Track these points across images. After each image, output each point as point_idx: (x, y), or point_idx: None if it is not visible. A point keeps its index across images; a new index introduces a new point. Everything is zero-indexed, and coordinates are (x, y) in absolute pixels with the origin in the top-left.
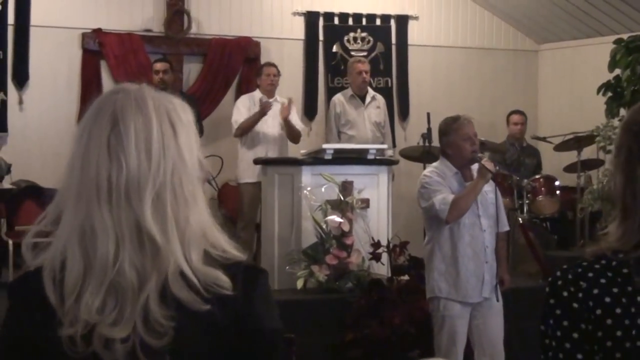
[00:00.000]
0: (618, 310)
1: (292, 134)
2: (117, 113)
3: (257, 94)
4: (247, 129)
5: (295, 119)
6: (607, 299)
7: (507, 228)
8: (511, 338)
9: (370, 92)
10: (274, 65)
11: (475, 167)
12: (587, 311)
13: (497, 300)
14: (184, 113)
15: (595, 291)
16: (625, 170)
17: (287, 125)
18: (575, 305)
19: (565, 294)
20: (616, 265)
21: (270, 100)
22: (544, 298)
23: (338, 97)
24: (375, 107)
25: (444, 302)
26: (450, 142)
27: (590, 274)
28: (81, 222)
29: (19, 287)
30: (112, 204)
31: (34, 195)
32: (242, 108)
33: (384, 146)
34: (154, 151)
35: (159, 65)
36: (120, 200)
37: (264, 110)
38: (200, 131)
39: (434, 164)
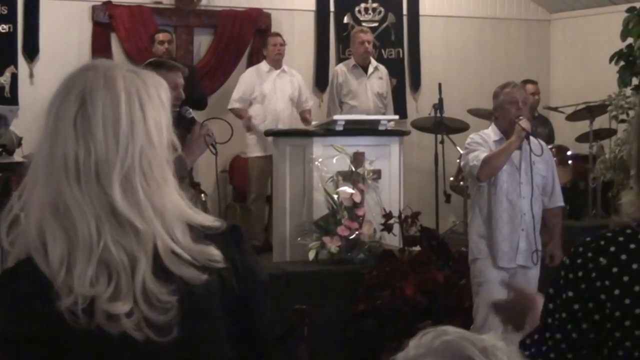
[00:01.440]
0: (637, 288)
1: (306, 123)
2: (85, 92)
3: (263, 66)
4: (238, 116)
5: (304, 92)
6: (626, 278)
7: (560, 203)
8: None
9: (373, 63)
10: (279, 35)
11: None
12: (602, 292)
13: (535, 264)
14: (157, 92)
15: (615, 269)
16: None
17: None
18: (583, 285)
19: (580, 273)
20: None
21: (278, 70)
22: (561, 267)
23: (340, 67)
24: (377, 78)
25: (480, 266)
26: (498, 105)
27: (613, 249)
28: (53, 199)
29: (12, 276)
30: (81, 184)
31: None
32: (243, 84)
33: (395, 117)
34: (122, 134)
35: (162, 36)
36: (90, 181)
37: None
38: (204, 104)
39: (485, 129)
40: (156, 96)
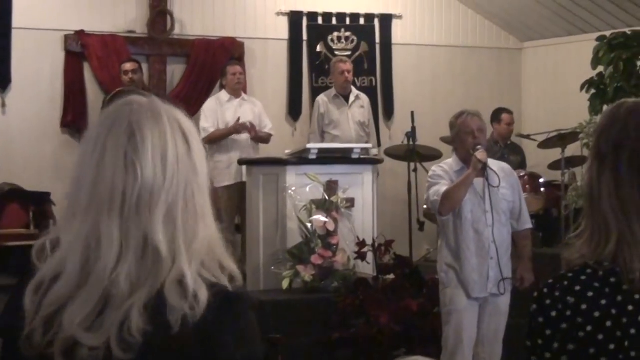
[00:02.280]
0: (609, 324)
1: (259, 140)
2: (133, 124)
3: (223, 95)
4: (215, 140)
5: (264, 119)
6: (597, 314)
7: (529, 225)
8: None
9: (354, 92)
10: (238, 64)
11: (490, 161)
12: (577, 330)
13: (502, 293)
14: (192, 125)
15: (584, 307)
16: (587, 171)
17: (257, 140)
18: (564, 325)
19: (553, 313)
20: (603, 275)
21: (238, 99)
22: (531, 314)
23: (322, 97)
24: (359, 107)
25: (450, 294)
26: (455, 135)
27: (578, 288)
28: (87, 234)
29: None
30: (124, 216)
31: (17, 198)
32: (209, 112)
33: (369, 145)
34: (169, 163)
35: (127, 66)
36: (130, 211)
37: (237, 131)
38: None
39: (447, 160)
40: (194, 129)
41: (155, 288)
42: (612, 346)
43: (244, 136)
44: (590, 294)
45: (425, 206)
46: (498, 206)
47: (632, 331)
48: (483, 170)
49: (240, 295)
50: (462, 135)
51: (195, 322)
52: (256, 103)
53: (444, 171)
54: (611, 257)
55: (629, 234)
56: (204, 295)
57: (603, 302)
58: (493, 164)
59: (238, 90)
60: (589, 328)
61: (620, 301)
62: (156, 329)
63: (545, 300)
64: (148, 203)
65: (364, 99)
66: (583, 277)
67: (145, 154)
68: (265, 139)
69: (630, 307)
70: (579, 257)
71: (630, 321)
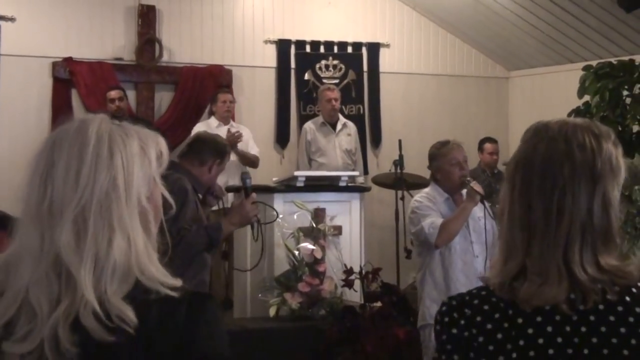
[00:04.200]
0: (499, 336)
1: (246, 161)
2: (55, 139)
3: (212, 122)
4: None
5: (251, 144)
6: (489, 326)
7: None
8: None
9: (342, 120)
10: (228, 92)
11: (466, 192)
12: (471, 340)
13: None
14: (141, 144)
15: (479, 318)
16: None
17: (237, 154)
18: (465, 333)
19: (454, 330)
20: (497, 297)
21: (227, 126)
22: (435, 330)
23: (309, 125)
24: (346, 135)
25: (432, 332)
26: (439, 167)
27: (476, 301)
28: (17, 248)
29: None
30: (38, 226)
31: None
32: None
33: (356, 173)
34: (83, 175)
35: (113, 94)
36: (42, 221)
37: (232, 142)
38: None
39: (425, 189)
40: (137, 147)
41: (74, 307)
42: (501, 358)
43: (233, 161)
44: (485, 307)
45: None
46: (481, 237)
47: (521, 342)
48: (481, 202)
49: (204, 295)
50: (447, 167)
51: (138, 334)
52: (244, 129)
53: (430, 202)
54: (508, 274)
55: (513, 252)
56: (128, 313)
57: (497, 315)
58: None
59: (227, 117)
60: (481, 339)
61: (511, 315)
62: (89, 342)
63: (443, 318)
64: (60, 211)
65: (351, 127)
66: (483, 293)
67: (58, 167)
68: (253, 160)
69: (519, 320)
70: (486, 278)
71: (518, 335)
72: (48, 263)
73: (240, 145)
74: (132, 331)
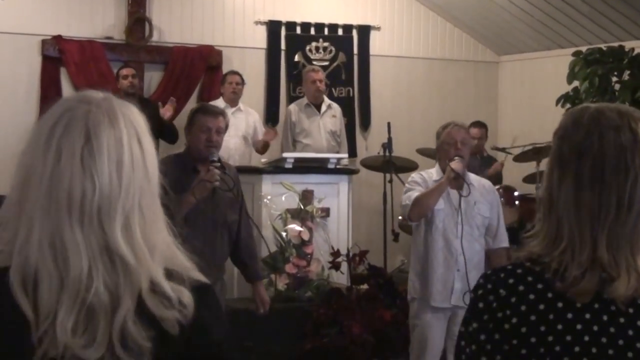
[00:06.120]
0: (533, 318)
1: (264, 149)
2: (89, 127)
3: (220, 102)
4: None
5: (259, 129)
6: (523, 307)
7: (505, 244)
8: None
9: (326, 101)
10: (237, 73)
11: (471, 176)
12: (504, 321)
13: (466, 304)
14: (145, 125)
15: (513, 299)
16: (547, 174)
17: (265, 147)
18: (499, 314)
19: (481, 304)
20: (540, 271)
21: (234, 108)
22: (471, 301)
23: (293, 106)
24: (330, 116)
25: (416, 306)
26: (438, 146)
27: (511, 280)
28: (51, 238)
29: None
30: (84, 222)
31: None
32: None
33: (344, 155)
34: (125, 171)
35: (125, 71)
36: (92, 221)
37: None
38: (176, 136)
39: (431, 169)
40: (147, 129)
41: (135, 298)
42: (533, 339)
43: (234, 142)
44: (521, 287)
45: (400, 217)
46: (472, 220)
47: (559, 327)
48: (459, 181)
49: (206, 284)
50: (444, 146)
51: (187, 322)
52: (252, 114)
53: (422, 179)
54: (555, 260)
55: (578, 242)
56: (187, 298)
57: (531, 296)
58: (474, 179)
59: (234, 99)
60: (514, 320)
61: (550, 298)
62: (156, 333)
63: (478, 290)
64: (108, 212)
65: (336, 108)
66: (519, 271)
67: (101, 161)
68: (267, 147)
69: (559, 304)
70: (526, 254)
71: (557, 318)
72: (105, 262)
73: (249, 131)
74: (189, 311)
